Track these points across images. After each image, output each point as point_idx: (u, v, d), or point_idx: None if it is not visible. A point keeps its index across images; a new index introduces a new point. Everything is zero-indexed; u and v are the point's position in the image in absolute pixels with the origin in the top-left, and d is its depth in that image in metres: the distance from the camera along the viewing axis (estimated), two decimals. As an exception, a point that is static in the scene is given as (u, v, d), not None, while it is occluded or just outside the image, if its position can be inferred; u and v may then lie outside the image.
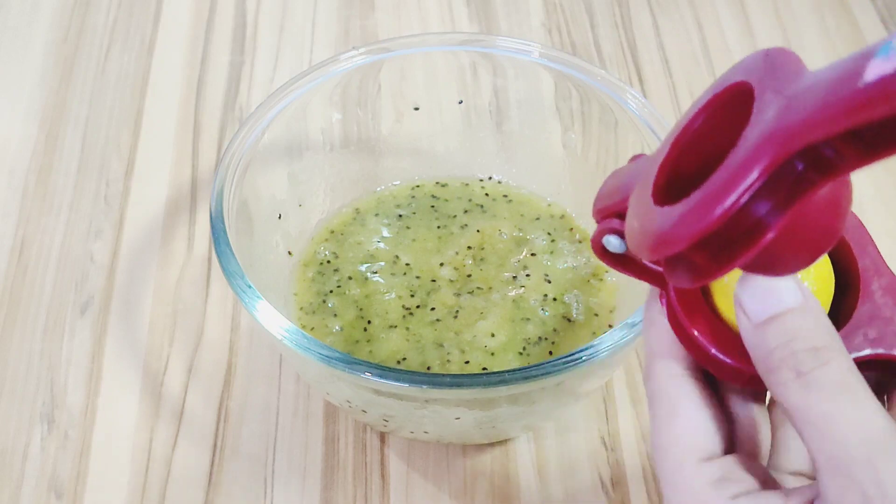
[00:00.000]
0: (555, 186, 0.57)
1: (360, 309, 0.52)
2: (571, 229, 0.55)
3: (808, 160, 0.25)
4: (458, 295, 0.52)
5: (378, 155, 0.57)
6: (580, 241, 0.55)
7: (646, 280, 0.33)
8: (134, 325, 0.56)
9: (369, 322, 0.51)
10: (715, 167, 0.27)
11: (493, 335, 0.51)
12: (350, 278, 0.53)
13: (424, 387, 0.41)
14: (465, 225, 0.55)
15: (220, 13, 0.73)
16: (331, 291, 0.53)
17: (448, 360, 0.50)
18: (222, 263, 0.45)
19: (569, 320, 0.52)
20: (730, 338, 0.31)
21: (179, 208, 0.61)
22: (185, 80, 0.68)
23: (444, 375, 0.42)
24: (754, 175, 0.25)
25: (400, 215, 0.56)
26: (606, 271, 0.54)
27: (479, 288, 0.53)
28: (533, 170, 0.57)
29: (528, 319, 0.51)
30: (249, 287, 0.44)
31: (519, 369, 0.42)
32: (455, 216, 0.56)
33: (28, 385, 0.54)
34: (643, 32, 0.72)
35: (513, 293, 0.52)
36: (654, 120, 0.50)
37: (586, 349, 0.42)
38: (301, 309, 0.52)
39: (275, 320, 0.43)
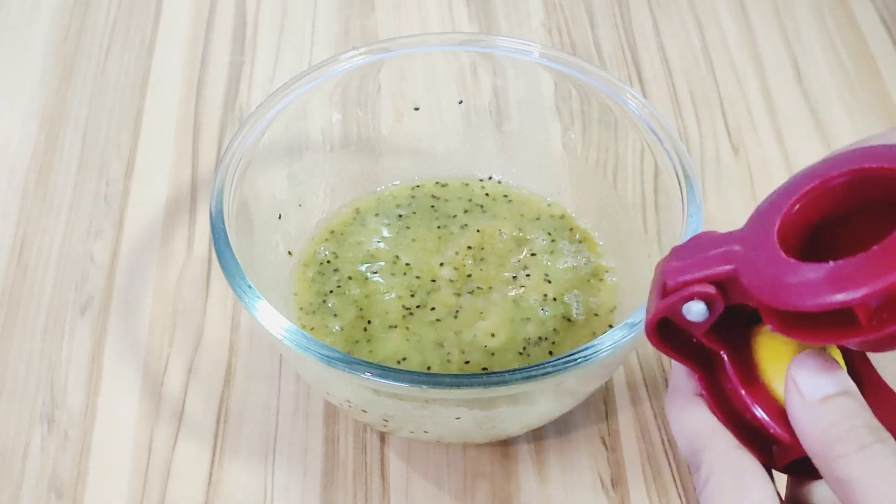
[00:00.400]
0: (555, 186, 0.57)
1: (360, 309, 0.52)
2: (571, 229, 0.55)
3: None
4: (458, 295, 0.52)
5: (378, 155, 0.57)
6: (580, 241, 0.55)
7: (687, 362, 0.33)
8: (134, 325, 0.56)
9: (369, 322, 0.51)
10: (860, 233, 0.29)
11: (493, 335, 0.51)
12: (350, 278, 0.53)
13: (424, 387, 0.41)
14: (465, 225, 0.55)
15: (220, 13, 0.73)
16: (331, 291, 0.53)
17: (448, 360, 0.50)
18: (222, 263, 0.45)
19: (569, 320, 0.52)
20: (781, 414, 0.31)
21: (179, 208, 0.61)
22: (185, 80, 0.68)
23: (444, 375, 0.42)
24: None
25: (400, 215, 0.56)
26: (607, 271, 0.54)
27: (479, 288, 0.53)
28: (533, 170, 0.57)
29: (528, 319, 0.51)
30: (249, 287, 0.44)
31: (519, 369, 0.42)
32: (455, 216, 0.56)
33: (28, 385, 0.54)
34: (643, 32, 0.72)
35: (513, 293, 0.52)
36: (654, 120, 0.50)
37: (586, 349, 0.42)
38: (301, 309, 0.52)
39: (275, 320, 0.43)
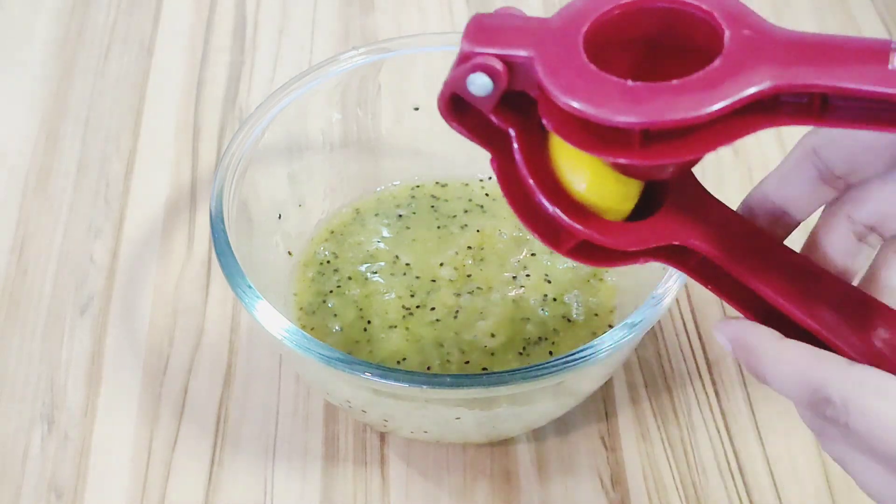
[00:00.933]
0: (555, 186, 0.56)
1: (360, 309, 0.52)
2: (571, 229, 0.55)
3: (794, 97, 0.29)
4: (458, 295, 0.52)
5: (378, 155, 0.57)
6: (580, 241, 0.55)
7: (480, 140, 0.33)
8: (134, 325, 0.56)
9: (369, 322, 0.51)
10: (651, 58, 0.31)
11: (493, 335, 0.51)
12: (350, 278, 0.53)
13: (424, 387, 0.41)
14: (465, 225, 0.55)
15: (220, 13, 0.73)
16: (331, 291, 0.53)
17: (448, 360, 0.50)
18: (222, 263, 0.45)
19: (569, 320, 0.52)
20: (565, 199, 0.32)
21: (179, 208, 0.61)
22: (185, 80, 0.68)
23: (444, 375, 0.42)
24: (755, 90, 0.28)
25: (400, 215, 0.56)
26: (606, 271, 0.54)
27: (479, 288, 0.53)
28: (533, 170, 0.57)
29: (528, 319, 0.51)
30: (249, 287, 0.44)
31: (519, 369, 0.42)
32: (455, 216, 0.56)
33: (28, 385, 0.54)
34: (643, 32, 0.72)
35: (513, 293, 0.52)
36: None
37: (586, 349, 0.42)
38: (301, 309, 0.52)
39: (275, 320, 0.43)
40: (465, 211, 0.56)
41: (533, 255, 0.54)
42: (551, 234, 0.33)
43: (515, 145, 0.32)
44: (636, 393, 0.53)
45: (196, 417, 0.53)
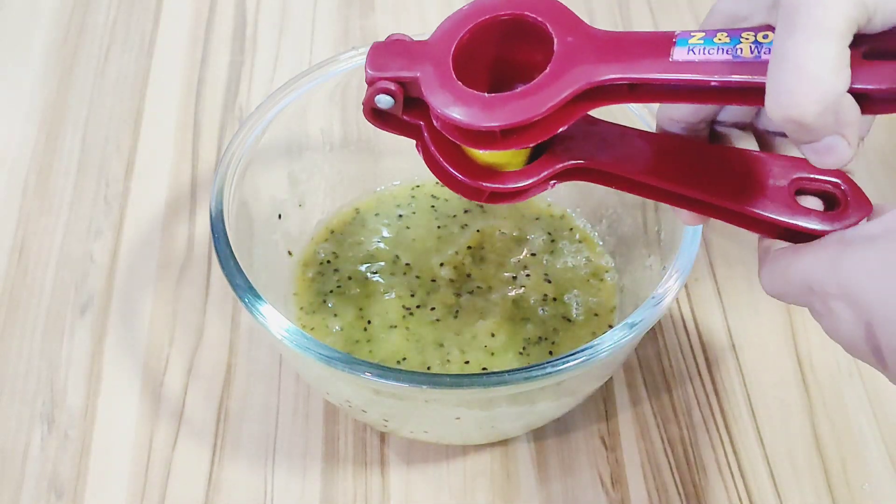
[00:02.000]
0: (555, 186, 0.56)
1: (360, 309, 0.52)
2: (571, 229, 0.55)
3: (607, 89, 0.37)
4: (458, 295, 0.52)
5: (378, 155, 0.57)
6: (580, 241, 0.55)
7: (403, 133, 0.41)
8: (134, 325, 0.56)
9: (369, 322, 0.51)
10: (503, 68, 0.39)
11: (493, 335, 0.51)
12: (350, 278, 0.53)
13: (424, 387, 0.41)
14: (465, 225, 0.55)
15: (220, 13, 0.73)
16: (331, 291, 0.53)
17: (448, 360, 0.50)
18: (222, 263, 0.45)
19: (569, 320, 0.52)
20: (471, 166, 0.40)
21: (179, 208, 0.61)
22: (185, 80, 0.68)
23: (444, 375, 0.42)
24: (574, 88, 0.36)
25: (400, 215, 0.56)
26: (606, 271, 0.54)
27: (479, 288, 0.53)
28: (533, 170, 0.57)
29: (528, 319, 0.51)
30: (249, 287, 0.44)
31: (519, 369, 0.42)
32: (455, 216, 0.56)
33: (28, 385, 0.54)
34: (643, 32, 0.72)
35: (513, 293, 0.52)
36: (653, 119, 0.50)
37: (586, 349, 0.42)
38: (301, 309, 0.52)
39: (275, 320, 0.43)
40: (465, 211, 0.56)
41: (533, 255, 0.54)
42: (470, 192, 0.41)
43: (426, 134, 0.41)
44: (636, 393, 0.53)
45: (196, 417, 0.53)
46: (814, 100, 0.33)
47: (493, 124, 0.37)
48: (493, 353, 0.50)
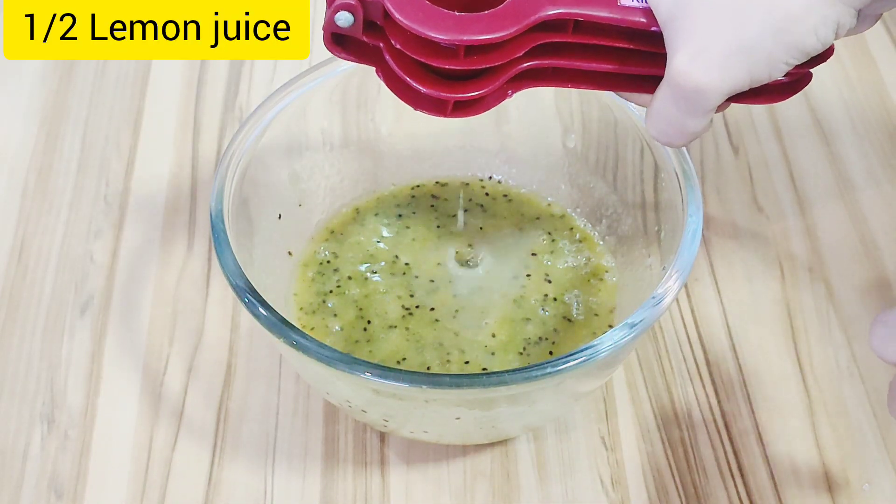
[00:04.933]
0: (555, 186, 0.57)
1: (360, 309, 0.52)
2: (571, 229, 0.55)
3: (556, 23, 0.41)
4: (457, 295, 0.52)
5: (378, 155, 0.57)
6: (580, 241, 0.55)
7: (363, 60, 0.43)
8: (134, 325, 0.56)
9: (369, 322, 0.51)
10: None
11: (493, 335, 0.51)
12: (350, 278, 0.53)
13: (424, 387, 0.41)
14: (465, 225, 0.55)
15: (220, 13, 0.73)
16: (331, 291, 0.53)
17: (448, 360, 0.50)
18: (222, 263, 0.45)
19: (569, 320, 0.52)
20: (433, 80, 0.42)
21: (179, 208, 0.61)
22: (185, 80, 0.68)
23: (444, 375, 0.42)
24: (534, 18, 0.40)
25: (400, 215, 0.56)
26: (607, 271, 0.54)
27: (479, 288, 0.53)
28: (533, 170, 0.57)
29: (528, 319, 0.51)
30: (250, 287, 0.44)
31: (519, 369, 0.42)
32: (455, 216, 0.56)
33: (28, 385, 0.54)
34: (643, 32, 0.72)
35: (513, 293, 0.52)
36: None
37: (586, 349, 0.42)
38: (301, 309, 0.52)
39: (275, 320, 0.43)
40: (465, 211, 0.56)
41: (533, 254, 0.54)
42: (434, 106, 0.43)
43: (386, 55, 0.42)
44: (636, 393, 0.53)
45: (196, 417, 0.53)
46: (685, 141, 0.42)
47: (461, 37, 0.40)
48: (493, 353, 0.50)
